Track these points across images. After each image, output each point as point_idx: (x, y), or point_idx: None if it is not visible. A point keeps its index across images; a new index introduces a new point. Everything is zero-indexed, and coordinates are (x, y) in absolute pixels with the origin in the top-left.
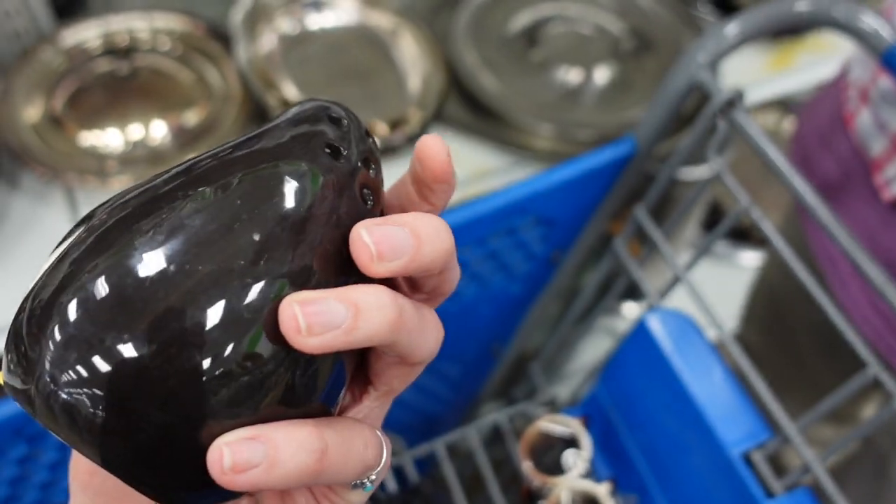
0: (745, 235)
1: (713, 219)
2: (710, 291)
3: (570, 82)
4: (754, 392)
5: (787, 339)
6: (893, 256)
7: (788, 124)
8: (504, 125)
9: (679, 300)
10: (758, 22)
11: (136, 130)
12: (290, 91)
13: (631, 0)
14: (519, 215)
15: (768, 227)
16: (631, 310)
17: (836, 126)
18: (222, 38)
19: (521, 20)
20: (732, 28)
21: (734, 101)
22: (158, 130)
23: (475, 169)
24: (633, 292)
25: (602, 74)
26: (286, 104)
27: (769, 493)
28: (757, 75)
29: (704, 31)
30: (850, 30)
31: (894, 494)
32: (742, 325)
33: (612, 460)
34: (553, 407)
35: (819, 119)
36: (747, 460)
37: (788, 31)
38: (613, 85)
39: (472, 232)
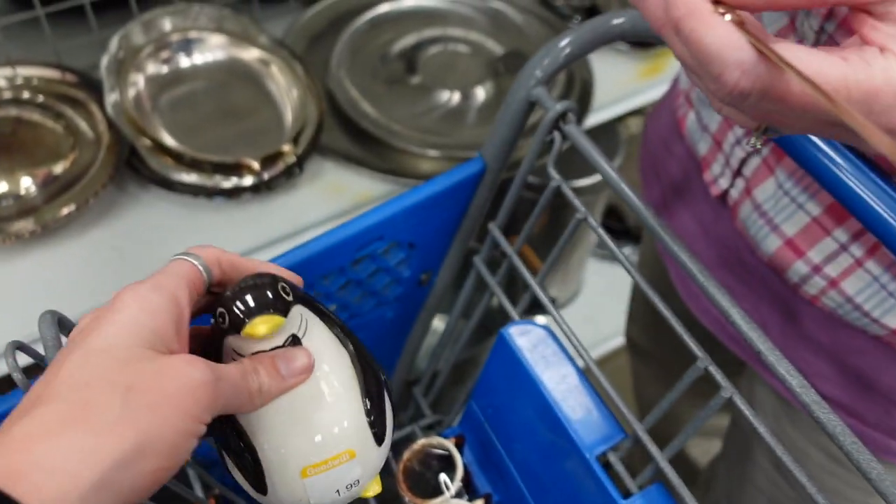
0: (636, 237)
1: (612, 222)
2: (605, 291)
3: (450, 103)
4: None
5: (667, 334)
6: (725, 244)
7: None
8: (387, 152)
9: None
10: (584, 38)
11: (0, 186)
12: (162, 134)
13: (506, 18)
14: (376, 242)
15: (603, 235)
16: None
17: (674, 130)
18: (92, 85)
19: (399, 45)
20: (563, 45)
21: (566, 114)
22: (25, 182)
23: (360, 198)
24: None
25: (481, 93)
26: (159, 149)
27: (625, 494)
28: (631, 84)
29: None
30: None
31: (758, 473)
32: (627, 324)
33: (491, 475)
34: (437, 429)
35: (661, 124)
36: (604, 462)
37: (619, 40)
38: (494, 102)
39: (330, 261)
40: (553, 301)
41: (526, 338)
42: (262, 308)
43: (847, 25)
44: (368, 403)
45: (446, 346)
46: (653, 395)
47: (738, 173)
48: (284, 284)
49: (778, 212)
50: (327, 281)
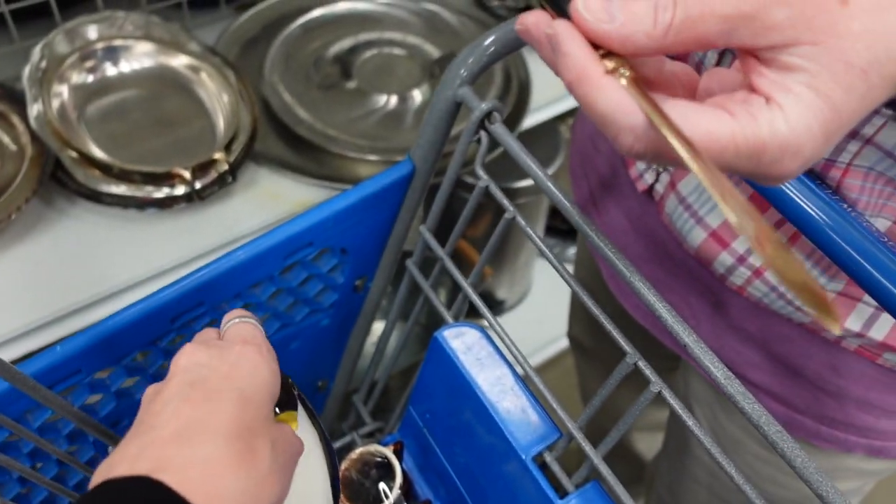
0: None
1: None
2: (554, 291)
3: (387, 107)
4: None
5: (608, 332)
6: (654, 238)
7: None
8: (324, 157)
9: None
10: (508, 36)
11: None
12: (89, 145)
13: (442, 20)
14: (305, 248)
15: (531, 234)
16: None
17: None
18: (14, 97)
19: (333, 49)
20: (487, 43)
21: (491, 114)
22: None
23: (299, 205)
24: (490, 305)
25: (418, 96)
26: (86, 160)
27: (561, 493)
28: None
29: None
30: None
31: (697, 465)
32: (570, 322)
33: (431, 480)
34: (377, 437)
35: (588, 123)
36: (541, 463)
37: None
38: (430, 103)
39: (258, 270)
40: (502, 303)
41: (460, 340)
42: (284, 406)
43: None
44: (331, 491)
45: (383, 352)
46: (595, 390)
47: (665, 168)
48: (289, 378)
49: (702, 204)
50: (257, 290)
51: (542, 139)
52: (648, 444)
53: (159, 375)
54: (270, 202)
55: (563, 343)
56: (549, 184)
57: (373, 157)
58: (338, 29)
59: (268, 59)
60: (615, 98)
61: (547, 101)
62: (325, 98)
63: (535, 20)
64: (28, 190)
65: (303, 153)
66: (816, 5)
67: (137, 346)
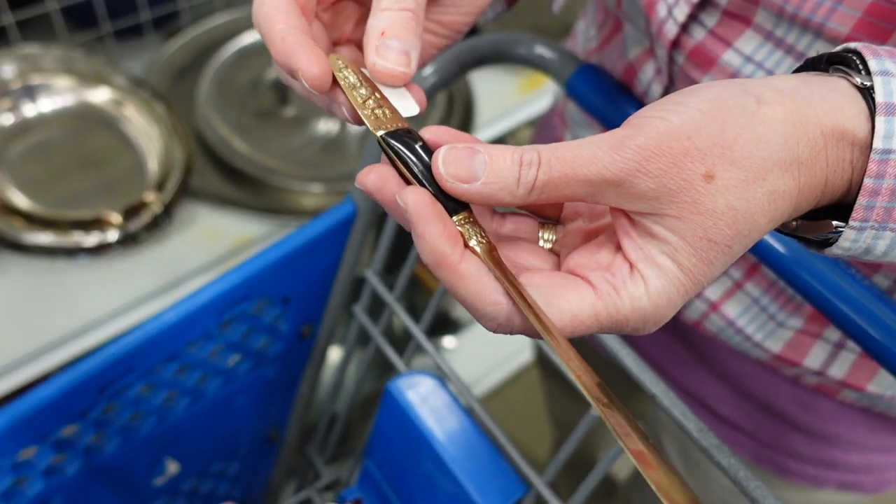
0: None
1: None
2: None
3: (329, 134)
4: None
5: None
6: None
7: None
8: (265, 190)
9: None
10: (448, 66)
11: None
12: (9, 192)
13: None
14: (243, 301)
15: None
16: (450, 343)
17: None
18: None
19: (269, 76)
20: (427, 74)
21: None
22: None
23: (239, 241)
24: (448, 325)
25: None
26: (6, 210)
27: None
28: (513, 99)
29: None
30: (532, 63)
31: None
32: (537, 342)
33: None
34: (335, 490)
35: (544, 143)
36: None
37: (485, 64)
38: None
39: (193, 328)
40: (456, 321)
41: (414, 391)
42: None
43: (696, 58)
44: None
45: (335, 399)
46: (567, 413)
47: None
48: None
49: None
50: (194, 348)
51: None
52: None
53: (92, 449)
54: (210, 240)
55: (525, 356)
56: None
57: (316, 188)
58: (260, 59)
59: (200, 88)
60: (473, 285)
61: (492, 117)
62: (263, 127)
63: (380, 182)
64: None
65: (242, 187)
66: (681, 179)
67: (64, 421)
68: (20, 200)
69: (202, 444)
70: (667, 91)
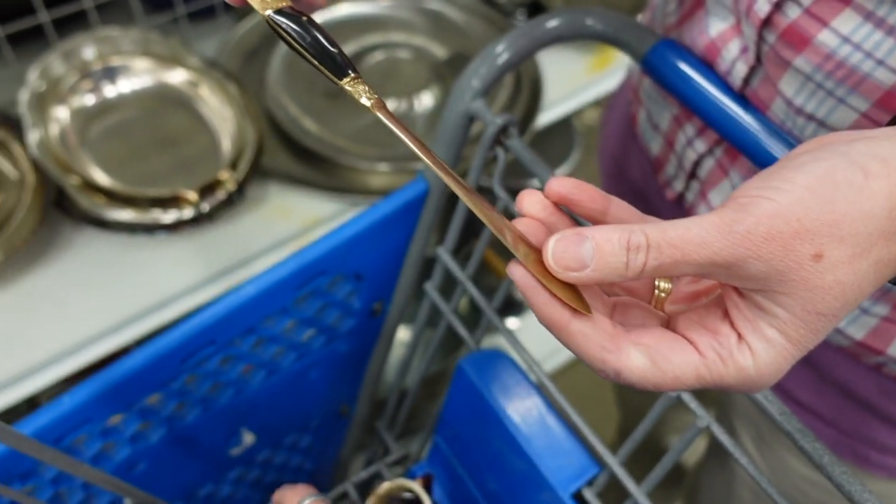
0: None
1: None
2: None
3: (397, 113)
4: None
5: None
6: None
7: None
8: (334, 169)
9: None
10: (519, 43)
11: None
12: (92, 170)
13: (447, 19)
14: (319, 277)
15: None
16: (514, 324)
17: (628, 127)
18: (11, 122)
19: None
20: (498, 51)
21: (507, 128)
22: None
23: (309, 220)
24: (512, 307)
25: (428, 99)
26: (90, 187)
27: None
28: (582, 78)
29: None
30: (607, 39)
31: (741, 485)
32: None
33: None
34: (404, 465)
35: (617, 120)
36: (580, 499)
37: (557, 42)
38: (441, 108)
39: (270, 303)
40: (520, 304)
41: (487, 368)
42: None
43: (789, 38)
44: None
45: (405, 375)
46: (636, 397)
47: (692, 175)
48: None
49: None
50: (270, 322)
51: (556, 134)
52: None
53: (174, 418)
54: (281, 219)
55: None
56: None
57: (383, 167)
58: (341, 33)
59: (270, 69)
60: (586, 345)
61: (560, 97)
62: (332, 107)
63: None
64: (32, 221)
65: (311, 166)
66: (791, 261)
67: (149, 390)
68: (102, 178)
69: (277, 417)
70: (753, 71)
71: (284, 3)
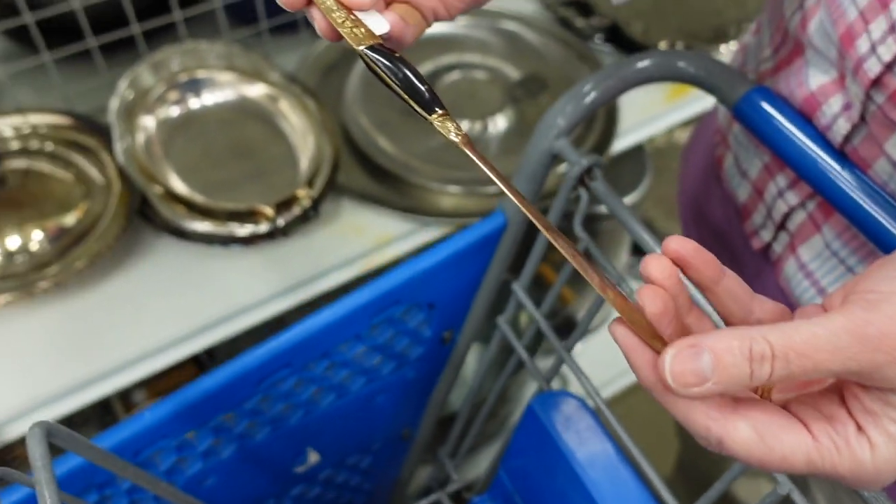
0: None
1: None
2: None
3: (470, 134)
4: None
5: None
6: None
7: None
8: (406, 188)
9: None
10: (608, 83)
11: (12, 242)
12: (173, 180)
13: (523, 41)
14: (394, 305)
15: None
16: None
17: (711, 169)
18: (100, 130)
19: None
20: (586, 90)
21: (591, 170)
22: (36, 237)
23: (380, 238)
24: (570, 329)
25: (502, 121)
26: (171, 197)
27: None
28: (658, 107)
29: (588, 75)
30: (699, 83)
31: None
32: None
33: None
34: (465, 495)
35: (698, 160)
36: None
37: (647, 83)
38: (515, 131)
39: (345, 330)
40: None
41: (558, 410)
42: None
43: None
44: None
45: (468, 409)
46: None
47: (781, 226)
48: None
49: (825, 273)
50: (345, 347)
51: (627, 161)
52: (752, 489)
53: (245, 436)
54: (353, 235)
55: None
56: (653, 247)
57: (453, 189)
58: (419, 52)
59: (348, 85)
60: (688, 412)
61: (636, 124)
62: (406, 125)
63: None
64: (117, 228)
65: (384, 184)
66: None
67: (225, 409)
68: (182, 189)
69: (341, 438)
70: (855, 129)
71: (376, 41)
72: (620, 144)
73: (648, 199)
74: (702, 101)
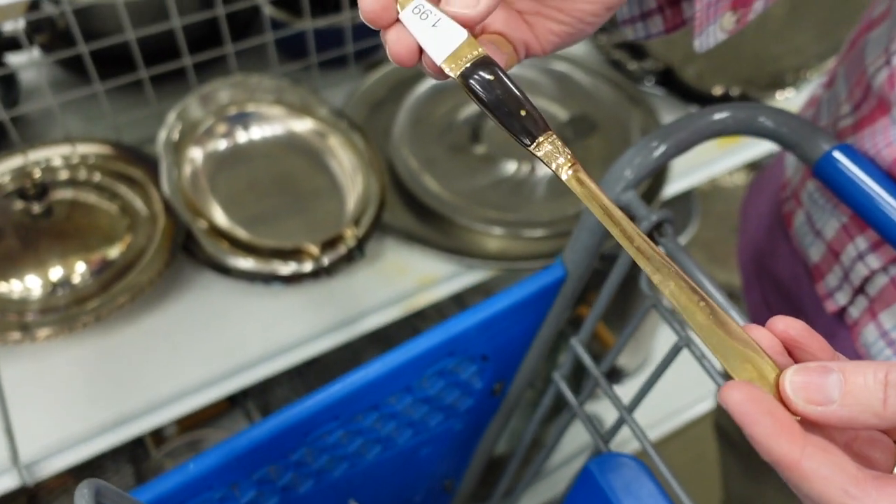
0: None
1: None
2: (678, 359)
3: (517, 175)
4: None
5: None
6: None
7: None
8: (451, 229)
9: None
10: (680, 136)
11: (55, 273)
12: (218, 215)
13: (573, 81)
14: (446, 357)
15: (707, 366)
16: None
17: (779, 225)
18: (148, 161)
19: (463, 112)
20: (655, 143)
21: (662, 224)
22: (80, 269)
23: (424, 279)
24: (612, 373)
25: None
26: (215, 232)
27: None
28: (711, 153)
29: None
30: (778, 139)
31: None
32: (717, 411)
33: None
34: None
35: (763, 213)
36: None
37: (719, 137)
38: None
39: (397, 381)
40: (620, 370)
41: (617, 474)
42: None
43: None
44: None
45: (513, 469)
46: (744, 492)
47: (860, 290)
48: None
49: None
50: (394, 399)
51: (673, 204)
52: None
53: (288, 488)
54: (397, 276)
55: (689, 414)
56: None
57: (497, 231)
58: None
59: (396, 122)
60: (823, 486)
61: (688, 169)
62: (453, 163)
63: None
64: (160, 263)
65: (428, 223)
66: None
67: (270, 461)
68: (227, 225)
69: (384, 490)
70: None
71: (478, 53)
72: (671, 189)
73: (697, 242)
74: (754, 148)
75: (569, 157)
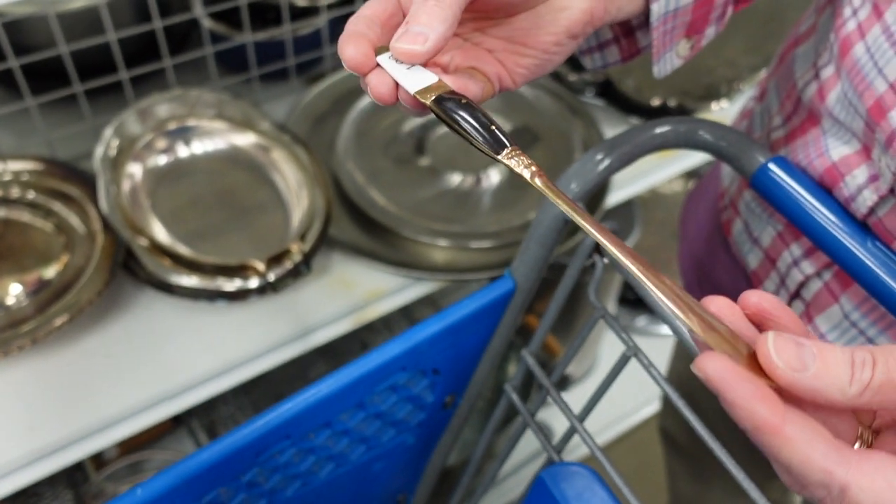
0: None
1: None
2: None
3: (461, 187)
4: None
5: (709, 428)
6: None
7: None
8: (398, 242)
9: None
10: (624, 149)
11: None
12: (159, 232)
13: (516, 94)
14: (399, 373)
15: (627, 340)
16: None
17: (717, 233)
18: (84, 178)
19: (407, 125)
20: (599, 157)
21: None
22: (14, 290)
23: (371, 293)
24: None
25: (495, 175)
26: (156, 249)
27: None
28: (649, 163)
29: (584, 155)
30: (716, 153)
31: None
32: (662, 415)
33: None
34: None
35: (701, 222)
36: None
37: (661, 150)
38: (507, 185)
39: (349, 398)
40: (567, 378)
41: (569, 483)
42: None
43: None
44: None
45: (468, 479)
46: (689, 494)
47: (796, 295)
48: None
49: (844, 344)
50: (346, 416)
51: (615, 212)
52: None
53: None
54: (344, 290)
55: (633, 419)
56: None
57: (445, 243)
58: None
59: (340, 135)
60: (805, 451)
61: (628, 179)
62: (398, 176)
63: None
64: (99, 282)
65: (375, 237)
66: None
67: (221, 483)
68: (169, 241)
69: None
70: (882, 200)
71: (448, 88)
72: (614, 199)
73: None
74: (693, 158)
75: (529, 162)
